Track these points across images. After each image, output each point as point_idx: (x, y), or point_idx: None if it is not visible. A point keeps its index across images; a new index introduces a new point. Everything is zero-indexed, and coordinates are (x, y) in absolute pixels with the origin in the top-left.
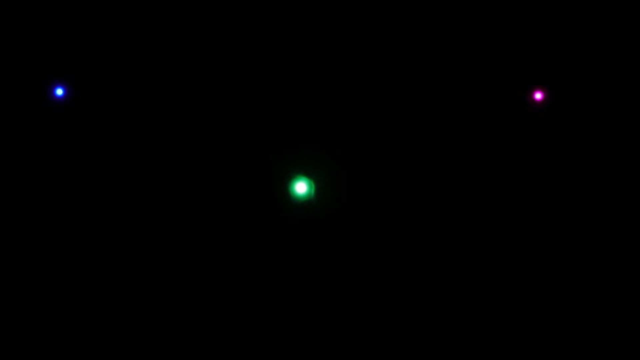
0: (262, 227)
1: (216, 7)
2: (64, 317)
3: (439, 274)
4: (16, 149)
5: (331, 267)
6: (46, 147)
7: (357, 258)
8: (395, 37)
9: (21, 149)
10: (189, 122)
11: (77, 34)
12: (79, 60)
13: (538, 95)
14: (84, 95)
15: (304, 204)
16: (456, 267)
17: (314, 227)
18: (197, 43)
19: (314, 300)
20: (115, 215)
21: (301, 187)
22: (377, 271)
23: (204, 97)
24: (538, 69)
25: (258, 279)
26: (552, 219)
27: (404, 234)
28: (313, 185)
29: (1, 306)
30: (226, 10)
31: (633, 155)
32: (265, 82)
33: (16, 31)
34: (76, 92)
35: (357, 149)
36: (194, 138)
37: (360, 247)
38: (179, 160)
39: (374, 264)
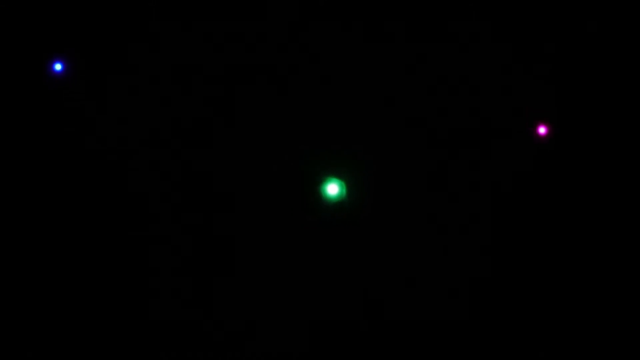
0: (294, 228)
1: None
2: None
3: (468, 276)
4: (15, 124)
5: (361, 268)
6: (46, 122)
7: (388, 260)
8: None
9: (20, 125)
10: (219, 121)
11: (79, 8)
12: (79, 35)
13: (542, 130)
14: (84, 70)
15: (336, 206)
16: (487, 269)
17: (345, 229)
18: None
19: (342, 302)
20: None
21: (333, 189)
22: (406, 273)
23: (231, 92)
24: (543, 102)
25: (289, 280)
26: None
27: (434, 235)
28: (344, 187)
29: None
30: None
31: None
32: (297, 82)
33: (16, 7)
34: (75, 67)
35: (388, 150)
36: (223, 137)
37: (391, 248)
38: (207, 160)
39: (404, 266)
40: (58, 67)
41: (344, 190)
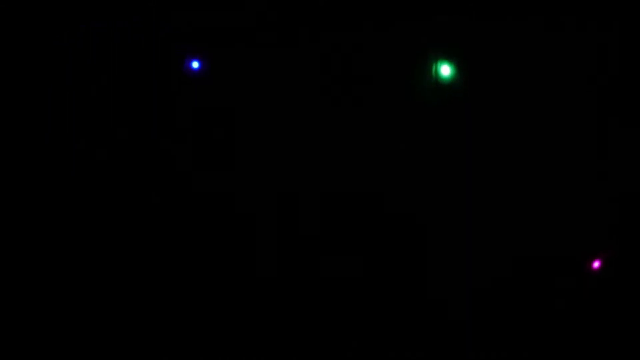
0: (404, 109)
1: None
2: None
3: None
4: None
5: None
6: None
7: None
8: None
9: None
10: None
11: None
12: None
13: (596, 264)
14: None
15: (447, 87)
16: None
17: (456, 110)
18: None
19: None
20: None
21: (445, 70)
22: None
23: None
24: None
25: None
26: None
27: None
28: (456, 69)
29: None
30: None
31: None
32: None
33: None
34: (213, 65)
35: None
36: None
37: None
38: None
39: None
40: (195, 65)
41: (456, 72)
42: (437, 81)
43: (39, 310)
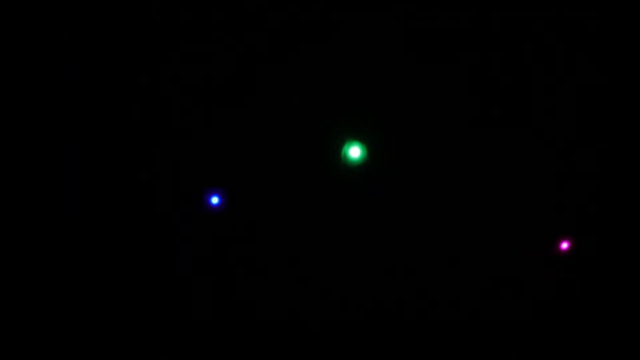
0: (314, 191)
1: None
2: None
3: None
4: None
5: (382, 236)
6: None
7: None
8: None
9: None
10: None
11: None
12: None
13: (564, 245)
14: None
15: (357, 168)
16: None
17: (366, 192)
18: None
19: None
20: None
21: (355, 152)
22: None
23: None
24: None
25: (306, 245)
26: None
27: (459, 198)
28: (366, 150)
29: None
30: None
31: None
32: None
33: None
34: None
35: (412, 113)
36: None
37: (414, 213)
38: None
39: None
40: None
41: (366, 153)
42: (347, 162)
43: (39, 310)
